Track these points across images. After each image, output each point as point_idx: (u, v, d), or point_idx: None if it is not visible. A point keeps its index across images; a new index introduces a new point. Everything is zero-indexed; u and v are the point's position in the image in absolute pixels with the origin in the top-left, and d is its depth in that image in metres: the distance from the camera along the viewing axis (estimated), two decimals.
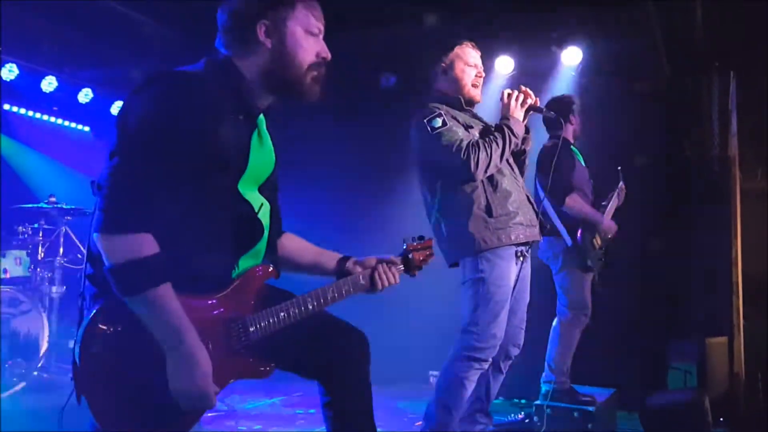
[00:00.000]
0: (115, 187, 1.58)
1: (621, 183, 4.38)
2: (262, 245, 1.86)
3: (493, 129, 3.08)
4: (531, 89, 3.14)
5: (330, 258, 2.14)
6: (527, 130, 3.17)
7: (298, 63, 1.82)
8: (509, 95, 3.10)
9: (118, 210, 1.58)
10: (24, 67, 5.56)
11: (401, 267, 2.18)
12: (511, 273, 3.03)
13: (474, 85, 3.20)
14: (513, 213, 3.01)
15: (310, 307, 1.89)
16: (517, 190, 3.09)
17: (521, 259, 3.10)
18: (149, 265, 1.57)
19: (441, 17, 4.93)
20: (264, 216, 1.85)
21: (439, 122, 2.99)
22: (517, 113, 3.07)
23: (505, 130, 3.01)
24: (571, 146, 4.25)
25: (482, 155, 2.91)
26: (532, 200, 3.20)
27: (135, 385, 1.63)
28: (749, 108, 4.74)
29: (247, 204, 1.80)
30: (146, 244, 1.58)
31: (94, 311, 1.61)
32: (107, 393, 1.60)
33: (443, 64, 3.20)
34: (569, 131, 4.26)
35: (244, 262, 1.83)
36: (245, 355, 1.78)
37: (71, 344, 1.66)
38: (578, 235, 4.01)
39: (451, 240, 3.06)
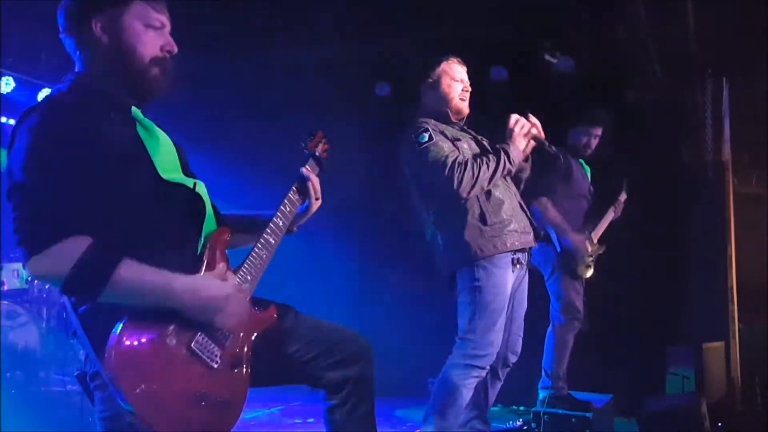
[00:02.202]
0: (18, 218, 1.60)
1: (622, 195, 4.40)
2: (210, 217, 1.88)
3: (489, 148, 3.09)
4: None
5: (259, 218, 2.10)
6: (527, 159, 3.16)
7: (138, 57, 1.80)
8: (516, 121, 3.07)
9: (29, 234, 1.59)
10: (20, 80, 5.58)
11: (317, 168, 2.20)
12: (508, 281, 3.05)
13: (461, 99, 3.23)
14: (507, 220, 3.03)
15: (272, 241, 1.93)
16: (509, 198, 3.11)
17: (518, 266, 3.11)
18: (93, 256, 1.57)
19: (434, 25, 4.96)
20: (201, 190, 1.87)
21: (425, 137, 3.02)
22: (519, 141, 3.04)
23: (502, 154, 3.00)
24: (579, 159, 4.33)
25: (467, 174, 2.91)
26: (525, 208, 3.22)
27: (180, 382, 1.64)
28: (743, 114, 4.78)
29: (179, 186, 1.81)
30: (76, 244, 1.57)
31: (121, 324, 1.59)
32: (155, 394, 1.59)
33: (430, 80, 3.24)
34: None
35: (203, 236, 1.85)
36: (249, 312, 1.82)
37: (80, 355, 1.66)
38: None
39: (447, 251, 3.08)
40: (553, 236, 4.07)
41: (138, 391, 1.55)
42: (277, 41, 5.12)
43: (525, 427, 4.15)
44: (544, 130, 3.15)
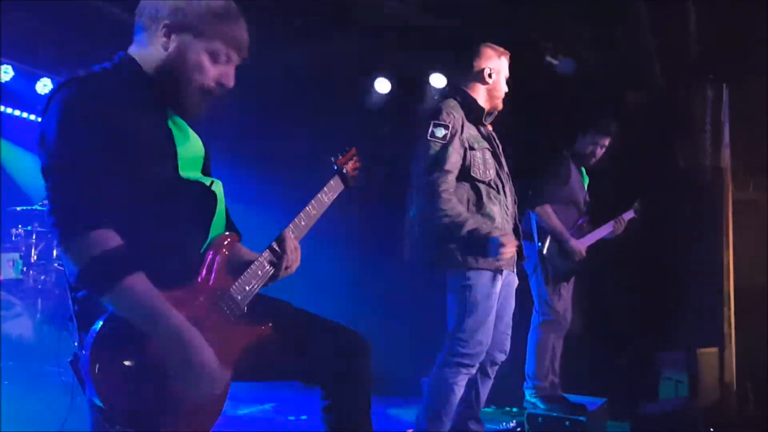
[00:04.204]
0: (56, 200, 1.60)
1: (629, 213, 4.35)
2: (220, 217, 1.87)
3: (503, 163, 3.10)
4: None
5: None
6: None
7: (187, 80, 1.79)
8: (509, 246, 2.91)
9: (65, 218, 1.59)
10: (19, 69, 5.56)
11: (341, 185, 2.20)
12: (497, 281, 3.04)
13: (501, 96, 3.21)
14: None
15: (279, 252, 1.92)
16: (502, 216, 3.07)
17: (505, 270, 3.10)
18: (113, 258, 1.58)
19: (435, 25, 4.95)
20: (217, 189, 1.87)
21: (441, 133, 2.96)
22: (495, 250, 2.89)
23: (465, 229, 2.89)
24: (581, 167, 4.37)
25: (438, 200, 2.87)
26: (519, 231, 3.19)
27: (153, 387, 1.61)
28: (741, 119, 4.78)
29: (195, 183, 1.82)
30: (104, 240, 1.58)
31: (102, 322, 1.59)
32: (127, 396, 1.57)
33: (487, 69, 3.15)
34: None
35: (211, 236, 1.84)
36: (242, 324, 1.81)
37: (77, 350, 1.66)
38: (547, 241, 4.07)
39: (422, 245, 3.05)
40: (536, 234, 4.10)
41: (110, 390, 1.54)
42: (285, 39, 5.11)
43: (518, 429, 4.15)
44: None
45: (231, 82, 1.85)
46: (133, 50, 1.84)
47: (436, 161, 2.93)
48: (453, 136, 2.97)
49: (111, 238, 1.59)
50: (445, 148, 2.95)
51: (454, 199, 2.93)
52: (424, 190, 2.93)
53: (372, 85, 5.78)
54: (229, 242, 1.85)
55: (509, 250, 2.90)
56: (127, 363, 1.58)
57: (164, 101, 1.82)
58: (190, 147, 1.86)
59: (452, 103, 3.08)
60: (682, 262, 4.81)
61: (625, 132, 4.85)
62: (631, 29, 4.73)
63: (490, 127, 3.25)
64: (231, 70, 1.85)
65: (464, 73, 3.20)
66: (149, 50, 1.81)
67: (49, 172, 1.63)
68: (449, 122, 2.99)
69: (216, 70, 1.82)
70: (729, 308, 4.46)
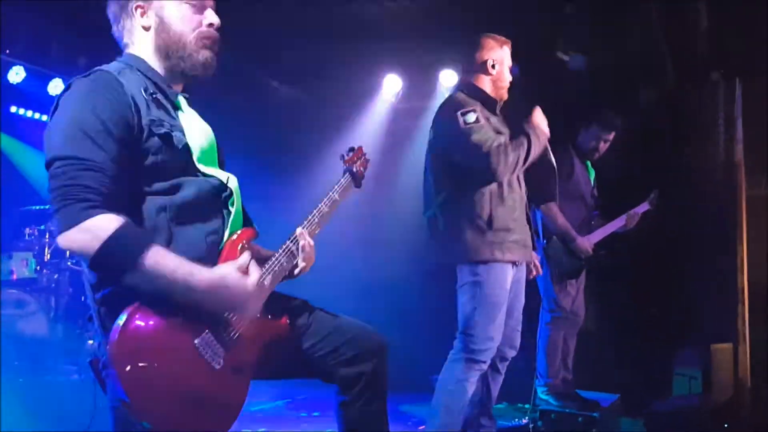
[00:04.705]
0: (57, 188, 1.61)
1: (642, 206, 4.33)
2: (238, 213, 1.88)
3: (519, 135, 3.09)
4: (536, 95, 3.15)
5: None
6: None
7: (178, 35, 1.85)
8: (542, 116, 3.07)
9: (66, 206, 1.59)
10: (31, 70, 5.58)
11: (352, 184, 2.26)
12: (508, 276, 3.04)
13: (507, 86, 3.22)
14: (511, 230, 3.01)
15: (294, 250, 1.94)
16: (521, 206, 3.10)
17: (517, 265, 3.11)
18: (125, 236, 1.58)
19: (445, 20, 4.94)
20: (233, 184, 1.89)
21: (473, 117, 2.96)
22: (542, 135, 3.03)
23: (526, 143, 2.97)
24: (586, 161, 4.34)
25: (510, 159, 2.89)
26: (530, 220, 3.21)
27: (178, 380, 1.63)
28: (754, 115, 4.74)
29: (213, 177, 1.84)
30: (109, 221, 1.58)
31: (125, 316, 1.59)
32: (152, 390, 1.58)
33: (490, 60, 3.16)
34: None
35: (229, 232, 1.85)
36: (259, 320, 1.82)
37: (90, 344, 1.66)
38: (551, 239, 4.05)
39: (447, 242, 3.06)
40: (540, 231, 4.08)
41: (135, 382, 1.55)
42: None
43: (531, 425, 4.14)
44: (554, 129, 3.13)
45: (216, 20, 1.91)
46: (133, 51, 1.90)
47: (481, 140, 2.91)
48: (483, 119, 2.98)
49: (113, 220, 1.58)
50: (482, 126, 2.95)
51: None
52: (478, 170, 2.92)
53: (382, 83, 5.79)
54: (246, 239, 1.85)
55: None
56: (152, 356, 1.59)
57: (178, 74, 1.87)
58: (203, 140, 1.87)
59: (462, 96, 3.08)
60: (695, 259, 4.78)
61: (637, 128, 4.84)
62: (642, 25, 4.71)
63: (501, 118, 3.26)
64: (210, 11, 1.91)
65: (468, 66, 3.21)
66: (138, 41, 1.88)
67: (50, 162, 1.65)
68: (476, 108, 3.01)
69: (196, 14, 1.88)
70: (743, 304, 4.43)
